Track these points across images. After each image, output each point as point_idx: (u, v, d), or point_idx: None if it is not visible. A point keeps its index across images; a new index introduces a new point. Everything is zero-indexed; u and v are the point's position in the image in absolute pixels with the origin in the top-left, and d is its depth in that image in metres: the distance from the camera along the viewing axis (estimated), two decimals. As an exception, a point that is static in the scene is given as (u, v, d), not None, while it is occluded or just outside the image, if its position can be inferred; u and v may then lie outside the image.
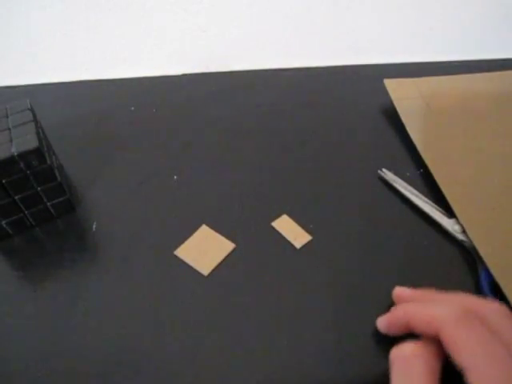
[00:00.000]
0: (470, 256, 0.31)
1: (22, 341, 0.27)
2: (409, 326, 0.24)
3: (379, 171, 0.37)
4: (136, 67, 0.51)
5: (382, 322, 0.26)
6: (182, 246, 0.32)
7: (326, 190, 0.36)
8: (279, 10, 0.50)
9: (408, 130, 0.40)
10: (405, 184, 0.35)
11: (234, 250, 0.32)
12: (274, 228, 0.33)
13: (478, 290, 0.29)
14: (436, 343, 0.23)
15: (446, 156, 0.38)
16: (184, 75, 0.51)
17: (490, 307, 0.23)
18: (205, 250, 0.32)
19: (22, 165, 0.29)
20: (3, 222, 0.32)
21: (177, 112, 0.45)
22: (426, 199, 0.34)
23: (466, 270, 0.31)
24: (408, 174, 0.37)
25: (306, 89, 0.49)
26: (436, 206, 0.34)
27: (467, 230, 0.31)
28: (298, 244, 0.32)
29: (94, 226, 0.34)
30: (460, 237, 0.32)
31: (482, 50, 0.53)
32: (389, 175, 0.36)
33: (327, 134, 0.42)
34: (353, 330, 0.28)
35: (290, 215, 0.34)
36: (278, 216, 0.34)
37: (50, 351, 0.27)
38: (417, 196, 0.35)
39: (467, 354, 0.21)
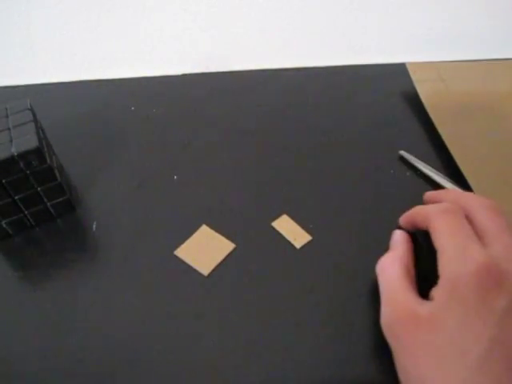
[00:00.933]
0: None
1: (21, 341, 0.27)
2: (415, 222, 0.28)
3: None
4: (136, 67, 0.50)
5: (402, 218, 0.30)
6: (182, 246, 0.32)
7: (326, 190, 0.36)
8: (279, 10, 0.50)
9: (427, 108, 0.42)
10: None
11: (234, 250, 0.32)
12: (274, 228, 0.33)
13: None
14: (410, 254, 0.27)
15: (463, 135, 0.39)
16: (184, 75, 0.51)
17: (480, 201, 0.27)
18: (205, 250, 0.32)
19: (21, 165, 0.29)
20: (3, 222, 0.32)
21: (177, 112, 0.45)
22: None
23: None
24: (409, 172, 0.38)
25: (306, 89, 0.49)
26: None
27: None
28: (297, 244, 0.32)
29: (94, 226, 0.34)
30: None
31: (482, 50, 0.52)
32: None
33: (327, 133, 0.42)
34: (353, 329, 0.28)
35: (290, 215, 0.34)
36: (278, 216, 0.34)
37: (50, 351, 0.27)
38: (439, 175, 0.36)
39: (441, 237, 0.25)
